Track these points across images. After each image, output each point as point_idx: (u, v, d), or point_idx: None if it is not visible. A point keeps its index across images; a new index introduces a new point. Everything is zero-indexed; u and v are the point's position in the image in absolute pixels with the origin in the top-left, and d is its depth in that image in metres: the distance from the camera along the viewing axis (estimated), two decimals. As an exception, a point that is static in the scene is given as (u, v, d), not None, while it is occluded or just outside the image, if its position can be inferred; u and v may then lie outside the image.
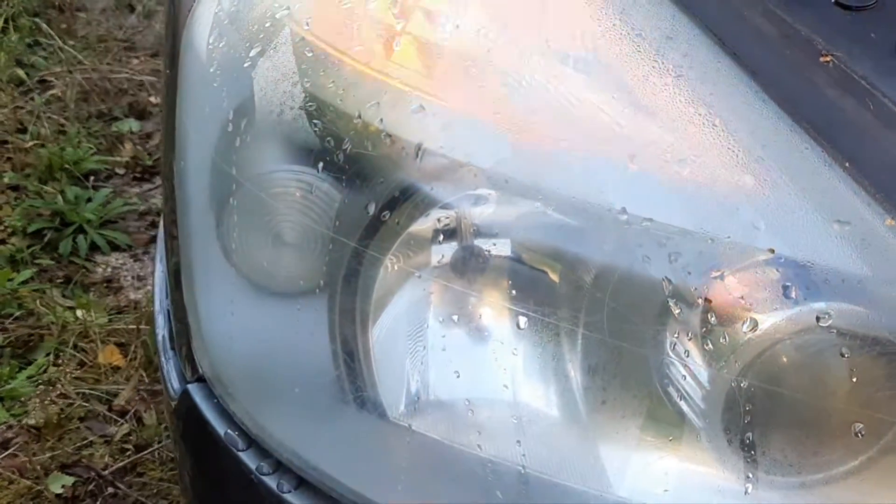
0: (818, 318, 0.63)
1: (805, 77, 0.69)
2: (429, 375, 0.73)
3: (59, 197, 2.67)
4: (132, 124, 3.14)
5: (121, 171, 2.91)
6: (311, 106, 0.77)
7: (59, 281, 2.47)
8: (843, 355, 0.62)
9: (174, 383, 0.92)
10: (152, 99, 3.27)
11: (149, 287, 2.47)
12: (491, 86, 0.74)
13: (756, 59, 0.70)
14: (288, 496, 0.77)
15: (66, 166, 2.75)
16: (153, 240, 2.66)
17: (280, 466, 0.79)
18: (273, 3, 0.84)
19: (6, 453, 1.94)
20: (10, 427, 2.02)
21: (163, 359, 0.96)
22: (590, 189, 0.68)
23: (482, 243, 0.71)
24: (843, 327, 0.63)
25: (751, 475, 0.65)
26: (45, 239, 2.57)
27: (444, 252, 0.71)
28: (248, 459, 0.80)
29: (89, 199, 2.70)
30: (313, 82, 0.78)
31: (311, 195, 0.78)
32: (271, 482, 0.78)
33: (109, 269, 2.56)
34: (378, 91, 0.76)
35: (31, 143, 2.83)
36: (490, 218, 0.71)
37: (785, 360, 0.63)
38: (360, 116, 0.75)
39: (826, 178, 0.65)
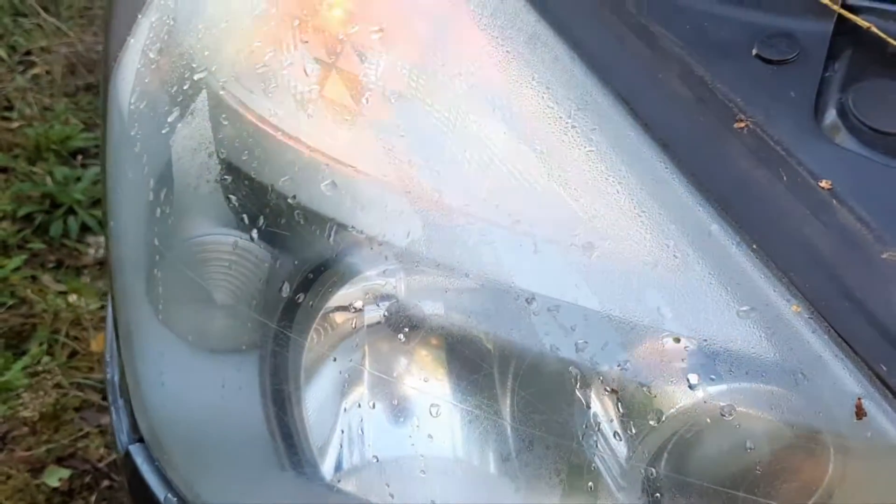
0: (722, 411, 0.62)
1: (717, 147, 0.68)
2: (351, 455, 0.73)
3: (48, 178, 2.66)
4: (120, 95, 3.10)
5: (110, 146, 2.89)
6: (226, 178, 0.77)
7: (50, 265, 2.48)
8: (746, 447, 0.62)
9: (122, 438, 0.92)
10: (140, 67, 3.24)
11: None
12: (405, 159, 0.73)
13: (669, 128, 0.68)
14: (224, 565, 0.78)
15: (54, 146, 2.74)
16: (144, 217, 2.65)
17: (217, 534, 0.80)
18: (192, 62, 0.83)
19: (2, 448, 1.97)
20: (6, 420, 2.05)
21: (112, 407, 0.97)
22: (501, 272, 0.68)
23: (396, 325, 0.70)
24: (748, 418, 0.62)
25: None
26: (36, 222, 2.57)
27: (357, 334, 0.71)
28: (187, 526, 0.81)
29: (78, 179, 2.70)
30: (229, 152, 0.77)
31: (233, 266, 0.78)
32: (209, 549, 0.79)
33: (101, 250, 2.56)
34: (292, 163, 0.75)
35: (17, 124, 2.82)
36: (400, 298, 0.70)
37: (691, 449, 0.63)
38: (273, 190, 0.74)
39: (734, 260, 0.64)
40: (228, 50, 0.83)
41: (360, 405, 0.72)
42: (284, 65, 0.79)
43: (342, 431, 0.74)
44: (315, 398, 0.77)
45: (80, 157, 2.80)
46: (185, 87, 0.82)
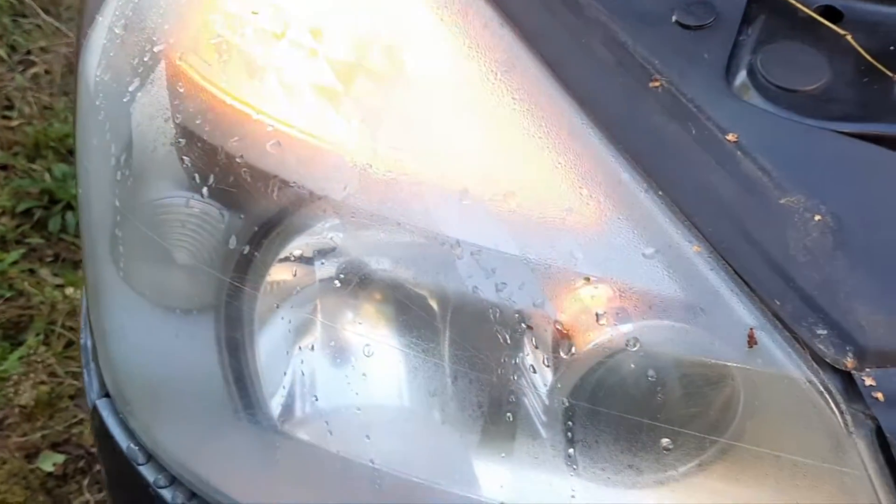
0: (627, 343, 0.67)
1: (632, 104, 0.72)
2: (295, 396, 0.78)
3: (47, 175, 2.72)
4: (119, 95, 3.16)
5: (108, 144, 2.95)
6: (181, 142, 0.82)
7: (48, 260, 2.53)
8: (649, 377, 0.67)
9: (91, 394, 0.97)
10: (139, 68, 3.29)
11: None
12: (343, 120, 0.77)
13: (588, 88, 0.73)
14: (181, 508, 0.83)
15: (53, 144, 2.79)
16: (140, 213, 2.70)
17: (175, 480, 0.85)
18: (152, 36, 0.88)
19: (-2, 434, 2.02)
20: (1, 407, 2.10)
21: (84, 370, 1.02)
22: (430, 220, 0.72)
23: (334, 273, 0.75)
24: (651, 350, 0.67)
25: (574, 486, 0.69)
26: (35, 218, 2.62)
27: (300, 283, 0.76)
28: (147, 473, 0.86)
29: (76, 176, 2.74)
30: (184, 117, 0.82)
31: (187, 225, 0.83)
32: (167, 495, 0.84)
33: (98, 245, 2.61)
34: (240, 126, 0.80)
35: (17, 122, 2.88)
36: (340, 248, 0.75)
37: (601, 381, 0.68)
38: (223, 151, 0.79)
39: (642, 206, 0.68)
40: (187, 23, 0.88)
41: (304, 349, 0.77)
42: (236, 36, 0.84)
43: (289, 376, 0.78)
44: (266, 346, 0.82)
45: (78, 155, 2.84)
46: (145, 59, 0.87)
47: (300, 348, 0.77)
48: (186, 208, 0.81)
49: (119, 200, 0.85)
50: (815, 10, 0.78)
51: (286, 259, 0.78)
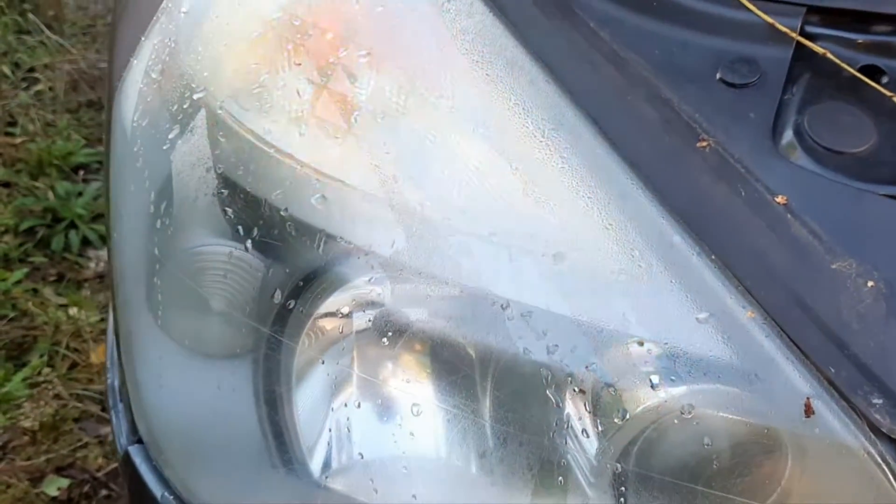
0: (681, 408, 0.67)
1: (681, 165, 0.73)
2: (338, 452, 0.78)
3: (50, 193, 2.71)
4: (121, 112, 3.15)
5: (111, 162, 2.94)
6: (223, 192, 0.81)
7: (51, 279, 2.52)
8: (704, 444, 0.67)
9: (121, 439, 0.97)
10: (141, 85, 3.29)
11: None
12: (391, 174, 0.77)
13: (635, 147, 0.73)
14: (221, 560, 0.83)
15: (56, 161, 2.79)
16: (144, 232, 2.69)
17: (212, 530, 0.84)
18: (191, 82, 0.88)
19: (2, 458, 2.01)
20: (6, 430, 2.09)
21: (112, 411, 1.01)
22: (479, 280, 0.72)
23: (381, 330, 0.75)
24: (704, 415, 0.67)
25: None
26: (38, 236, 2.61)
27: (343, 337, 0.76)
28: (185, 523, 0.86)
29: (80, 194, 2.75)
30: (226, 167, 0.82)
31: (228, 275, 0.82)
32: (205, 545, 0.84)
33: (101, 264, 2.61)
34: (284, 178, 0.80)
35: (20, 139, 2.88)
36: (385, 304, 0.75)
37: (654, 445, 0.68)
38: (267, 203, 0.79)
39: (694, 270, 0.69)
40: (226, 71, 0.88)
41: (347, 405, 0.77)
42: (279, 85, 0.84)
43: (330, 431, 0.78)
44: (305, 400, 0.82)
45: (81, 173, 2.85)
46: (184, 106, 0.87)
47: (344, 404, 0.77)
48: (227, 258, 0.81)
49: (158, 248, 0.85)
50: (858, 70, 0.78)
51: (329, 313, 0.78)
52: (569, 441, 0.70)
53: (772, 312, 0.67)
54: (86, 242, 2.65)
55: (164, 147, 0.86)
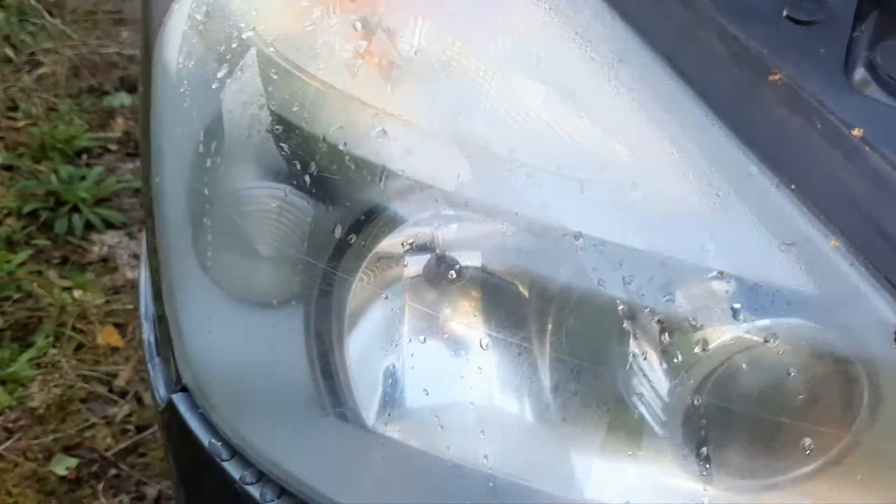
0: (766, 338, 0.65)
1: (754, 97, 0.71)
2: (400, 390, 0.76)
3: (53, 176, 2.68)
4: (123, 98, 3.14)
5: (113, 147, 2.93)
6: (277, 129, 0.79)
7: (55, 262, 2.50)
8: (789, 373, 0.65)
9: (160, 391, 0.95)
10: (143, 72, 3.27)
11: (145, 266, 2.49)
12: (452, 110, 0.76)
13: (706, 80, 0.72)
14: (271, 506, 0.81)
15: (59, 145, 2.76)
16: (148, 217, 2.67)
17: (263, 476, 0.82)
18: (239, 23, 0.86)
19: (10, 437, 1.98)
20: (13, 410, 2.06)
21: (149, 365, 0.99)
22: (547, 212, 0.71)
23: (446, 263, 0.73)
24: (790, 346, 0.65)
25: (706, 487, 0.68)
26: (41, 219, 2.59)
27: (410, 272, 0.74)
28: (232, 469, 0.83)
29: (83, 178, 2.72)
30: (279, 104, 0.80)
31: (282, 213, 0.80)
32: (255, 492, 0.82)
33: (105, 248, 2.58)
34: (342, 113, 0.78)
35: (23, 123, 2.85)
36: (453, 238, 0.73)
37: (735, 377, 0.66)
38: (324, 140, 0.77)
39: (773, 199, 0.67)
40: (275, 11, 0.86)
41: (411, 341, 0.75)
42: (332, 23, 0.82)
43: (392, 369, 0.76)
44: (361, 341, 0.80)
45: (84, 157, 2.83)
46: (233, 46, 0.85)
47: (408, 339, 0.75)
48: (283, 197, 0.79)
49: (208, 188, 0.83)
50: (926, 8, 0.77)
51: (390, 249, 0.76)
52: (644, 375, 0.68)
53: (855, 242, 0.65)
54: (89, 226, 2.62)
55: (213, 86, 0.84)
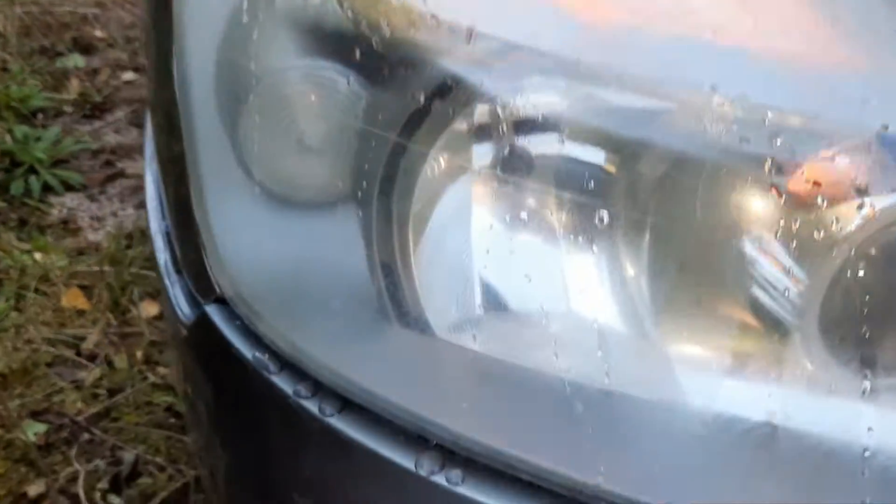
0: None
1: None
2: (492, 283, 0.66)
3: (8, 136, 2.54)
4: (77, 59, 3.00)
5: (69, 108, 2.79)
6: (341, -12, 0.69)
7: (12, 224, 2.36)
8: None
9: (184, 308, 0.84)
10: (97, 33, 3.13)
11: (109, 228, 2.37)
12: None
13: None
14: (332, 420, 0.70)
15: (13, 104, 2.62)
16: (109, 179, 2.56)
17: (319, 389, 0.72)
18: None
19: (-28, 402, 1.84)
20: (-27, 375, 1.92)
21: (167, 283, 0.88)
22: (671, 68, 0.61)
23: (548, 135, 0.63)
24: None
25: (868, 373, 0.59)
26: (-4, 181, 2.44)
27: (504, 145, 0.64)
28: (283, 383, 0.73)
29: (38, 139, 2.59)
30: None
31: (342, 89, 0.70)
32: (311, 406, 0.71)
33: (65, 210, 2.45)
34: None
35: (-27, 82, 2.69)
36: (559, 106, 0.63)
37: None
38: (399, -1, 0.67)
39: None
40: None
41: (508, 220, 0.65)
42: None
43: (461, 274, 0.66)
44: (430, 239, 0.70)
45: (40, 116, 2.69)
46: None
47: (489, 226, 0.65)
48: (347, 65, 0.69)
49: (255, 63, 0.72)
50: None
51: (468, 128, 0.66)
52: (794, 245, 0.59)
53: None
54: (47, 189, 2.49)
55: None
